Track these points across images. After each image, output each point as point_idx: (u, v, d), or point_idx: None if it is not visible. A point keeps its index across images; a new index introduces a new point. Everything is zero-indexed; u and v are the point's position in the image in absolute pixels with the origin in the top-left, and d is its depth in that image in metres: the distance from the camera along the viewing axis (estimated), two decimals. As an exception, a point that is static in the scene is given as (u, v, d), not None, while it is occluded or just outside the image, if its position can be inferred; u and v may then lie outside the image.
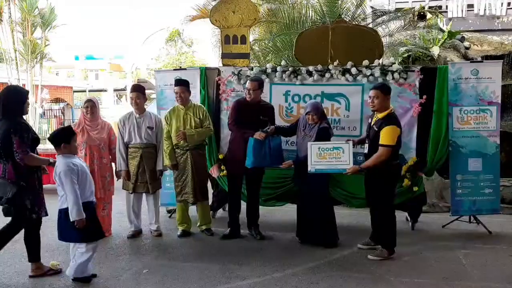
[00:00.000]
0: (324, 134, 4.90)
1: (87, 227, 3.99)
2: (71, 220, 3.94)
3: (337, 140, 4.99)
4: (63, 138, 4.08)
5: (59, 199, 4.10)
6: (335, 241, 5.07)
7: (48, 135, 11.42)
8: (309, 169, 4.80)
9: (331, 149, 4.77)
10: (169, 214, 6.55)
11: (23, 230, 4.33)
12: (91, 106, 5.38)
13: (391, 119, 4.59)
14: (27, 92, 4.51)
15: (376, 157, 4.55)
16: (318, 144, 4.81)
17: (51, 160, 4.30)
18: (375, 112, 4.73)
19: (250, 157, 5.04)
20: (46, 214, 4.38)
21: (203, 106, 5.72)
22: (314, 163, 4.78)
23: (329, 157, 4.74)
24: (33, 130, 4.28)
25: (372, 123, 4.74)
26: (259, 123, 5.11)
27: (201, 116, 5.41)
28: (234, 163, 5.37)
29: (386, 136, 4.51)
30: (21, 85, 16.34)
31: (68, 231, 4.03)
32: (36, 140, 4.28)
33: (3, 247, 4.30)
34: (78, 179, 4.03)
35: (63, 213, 4.04)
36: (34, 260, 4.32)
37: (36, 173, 4.25)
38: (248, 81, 5.32)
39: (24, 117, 4.31)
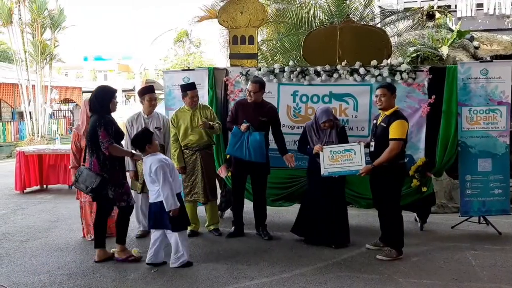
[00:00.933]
0: (345, 134, 5.06)
1: (178, 217, 4.40)
2: (166, 210, 4.33)
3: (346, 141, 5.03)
4: (146, 140, 4.45)
5: (153, 194, 4.47)
6: (346, 242, 5.07)
7: (57, 136, 11.52)
8: (322, 173, 4.84)
9: (343, 152, 4.79)
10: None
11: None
12: None
13: (399, 115, 4.66)
14: (115, 91, 4.79)
15: (388, 152, 4.55)
16: (329, 147, 4.85)
17: (134, 152, 4.64)
18: (381, 111, 4.76)
19: (229, 144, 5.29)
20: (134, 202, 4.81)
21: (209, 106, 5.74)
22: (327, 166, 4.83)
23: (341, 159, 4.78)
24: (118, 125, 4.63)
25: (379, 122, 4.76)
26: (259, 123, 5.19)
27: (209, 116, 5.45)
28: (236, 163, 5.39)
29: (396, 129, 4.54)
30: (31, 86, 16.54)
31: (164, 220, 4.43)
32: (120, 134, 4.63)
33: (105, 234, 4.76)
34: (170, 173, 4.41)
35: (158, 205, 4.41)
36: (120, 242, 4.71)
37: (119, 166, 4.59)
38: (249, 83, 5.35)
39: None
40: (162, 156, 4.54)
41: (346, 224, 5.10)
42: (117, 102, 4.73)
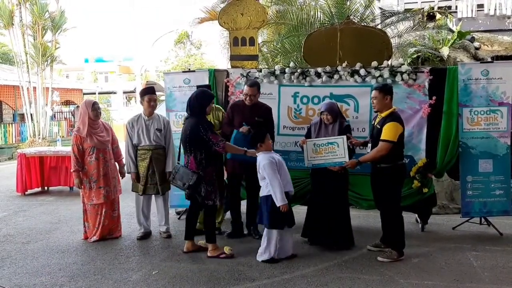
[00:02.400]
0: (349, 132, 5.02)
1: (278, 214, 4.54)
2: (277, 205, 4.50)
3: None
4: (259, 139, 4.69)
5: (263, 187, 4.68)
6: (350, 245, 5.07)
7: (58, 137, 11.52)
8: (306, 164, 4.95)
9: (326, 144, 4.87)
10: (178, 216, 6.57)
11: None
12: (99, 108, 5.48)
13: (394, 117, 4.65)
14: (212, 96, 5.01)
15: (376, 151, 4.61)
16: (312, 140, 4.97)
17: (246, 149, 4.83)
18: (378, 113, 4.78)
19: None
20: (220, 202, 5.07)
21: (221, 108, 5.76)
22: (311, 159, 4.95)
23: (324, 152, 4.85)
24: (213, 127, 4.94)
25: (376, 122, 4.79)
26: (254, 124, 5.19)
27: (221, 118, 5.56)
28: (232, 163, 5.39)
29: (387, 131, 4.55)
30: (33, 88, 16.56)
31: (265, 215, 4.64)
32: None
33: (194, 231, 5.04)
34: (278, 170, 4.60)
35: (264, 199, 4.65)
36: (211, 241, 4.88)
37: (213, 165, 4.83)
38: (246, 87, 5.34)
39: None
40: (273, 154, 4.75)
41: (349, 226, 5.09)
42: (213, 107, 4.91)
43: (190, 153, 4.78)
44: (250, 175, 5.37)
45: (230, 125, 5.36)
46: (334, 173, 4.88)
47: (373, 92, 4.77)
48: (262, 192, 4.70)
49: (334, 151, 4.83)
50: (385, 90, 4.72)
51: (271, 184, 4.53)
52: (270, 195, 4.56)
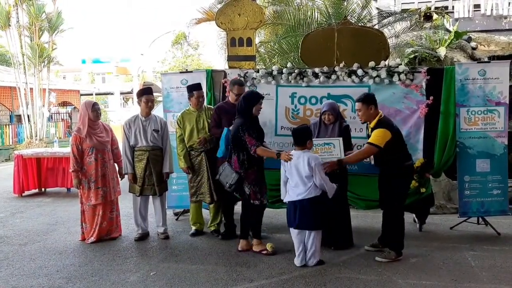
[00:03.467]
0: (348, 133, 5.04)
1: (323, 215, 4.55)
2: (329, 198, 4.48)
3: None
4: (308, 136, 4.59)
5: (306, 189, 4.47)
6: (349, 245, 5.07)
7: (55, 139, 11.49)
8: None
9: (323, 145, 4.86)
10: (176, 217, 6.56)
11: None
12: (100, 109, 5.48)
13: (382, 124, 4.60)
14: (259, 97, 4.93)
15: (359, 153, 4.67)
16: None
17: (279, 152, 4.73)
18: (368, 123, 4.79)
19: (221, 147, 5.14)
20: (267, 202, 5.11)
21: (213, 107, 5.75)
22: None
23: (321, 151, 4.83)
24: (259, 125, 4.96)
25: (370, 125, 4.78)
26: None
27: None
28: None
29: (375, 136, 4.56)
30: (29, 89, 16.52)
31: (312, 218, 4.50)
32: (262, 133, 4.98)
33: (249, 230, 5.03)
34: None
35: (309, 202, 4.45)
36: (257, 237, 4.98)
37: (256, 167, 4.86)
38: (235, 86, 5.33)
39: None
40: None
41: (349, 226, 5.10)
42: (261, 108, 4.92)
43: (234, 152, 4.86)
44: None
45: (218, 127, 5.31)
46: (334, 173, 4.86)
47: (356, 104, 4.75)
48: (307, 195, 4.44)
49: (330, 151, 4.84)
50: (368, 100, 4.67)
51: (325, 181, 4.43)
52: (318, 197, 4.44)
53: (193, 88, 5.50)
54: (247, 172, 4.79)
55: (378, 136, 4.54)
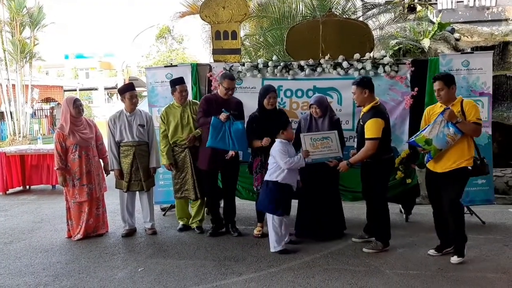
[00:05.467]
0: (338, 127, 5.01)
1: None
2: (304, 164, 4.70)
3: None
4: (282, 126, 4.76)
5: (269, 173, 4.78)
6: (342, 233, 5.16)
7: (39, 135, 11.34)
8: (306, 159, 4.84)
9: (321, 139, 4.85)
10: (164, 212, 6.53)
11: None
12: (82, 105, 5.41)
13: (375, 112, 4.55)
14: (267, 90, 5.10)
15: (363, 152, 4.55)
16: (309, 134, 4.92)
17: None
18: (362, 107, 4.75)
19: (210, 136, 5.05)
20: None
21: (198, 102, 5.69)
22: (311, 153, 4.85)
23: (321, 146, 4.83)
24: (274, 119, 5.00)
25: (360, 118, 4.76)
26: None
27: None
28: (209, 159, 5.26)
29: (369, 129, 4.50)
30: (12, 86, 16.27)
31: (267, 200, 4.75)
32: (273, 127, 4.90)
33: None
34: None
35: (266, 184, 4.77)
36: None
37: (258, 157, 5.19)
38: (226, 80, 5.19)
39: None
40: (290, 146, 4.84)
41: (341, 215, 5.18)
42: (273, 101, 5.05)
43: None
44: (227, 173, 5.36)
45: (207, 117, 5.17)
46: (325, 169, 4.85)
47: (352, 87, 4.73)
48: (268, 177, 4.73)
49: (329, 146, 4.82)
50: (363, 84, 4.64)
51: (286, 162, 4.57)
52: (276, 182, 4.65)
53: (176, 83, 5.41)
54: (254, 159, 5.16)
55: (372, 128, 4.48)
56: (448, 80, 4.39)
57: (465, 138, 4.27)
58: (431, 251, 4.61)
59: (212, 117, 5.04)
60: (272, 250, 4.73)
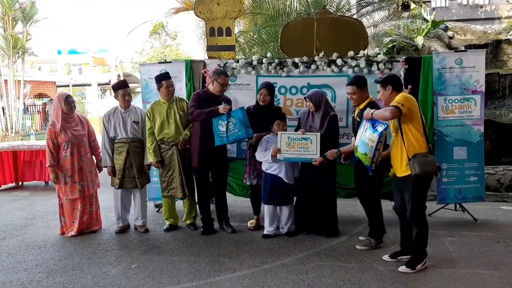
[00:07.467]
0: (333, 123, 4.96)
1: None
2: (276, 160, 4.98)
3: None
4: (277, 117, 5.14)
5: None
6: (337, 231, 5.14)
7: (32, 131, 11.29)
8: (278, 157, 4.91)
9: (300, 139, 4.88)
10: (157, 209, 6.52)
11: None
12: (74, 101, 5.37)
13: (373, 107, 4.49)
14: (261, 87, 5.28)
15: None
16: (287, 133, 4.99)
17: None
18: (356, 106, 4.76)
19: (217, 137, 5.05)
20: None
21: (185, 99, 5.66)
22: (283, 151, 4.92)
23: (297, 146, 4.87)
24: (266, 115, 5.18)
25: (355, 115, 4.75)
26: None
27: (185, 109, 5.35)
28: (199, 157, 5.25)
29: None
30: (4, 81, 16.15)
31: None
32: (264, 123, 5.19)
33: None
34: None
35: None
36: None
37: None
38: (221, 76, 5.17)
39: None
40: (271, 136, 5.13)
41: (335, 213, 5.14)
42: (264, 98, 5.17)
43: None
44: (218, 170, 5.36)
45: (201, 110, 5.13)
46: (322, 165, 4.86)
47: (349, 88, 4.66)
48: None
49: (306, 147, 4.86)
50: (362, 83, 4.66)
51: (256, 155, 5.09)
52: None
53: (162, 78, 5.33)
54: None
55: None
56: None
57: (398, 137, 4.10)
58: (386, 257, 4.42)
59: (213, 120, 5.03)
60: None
